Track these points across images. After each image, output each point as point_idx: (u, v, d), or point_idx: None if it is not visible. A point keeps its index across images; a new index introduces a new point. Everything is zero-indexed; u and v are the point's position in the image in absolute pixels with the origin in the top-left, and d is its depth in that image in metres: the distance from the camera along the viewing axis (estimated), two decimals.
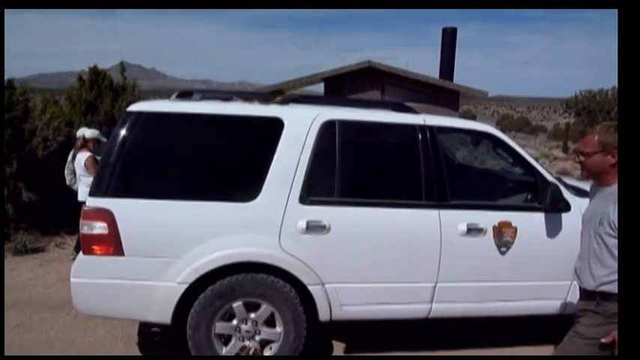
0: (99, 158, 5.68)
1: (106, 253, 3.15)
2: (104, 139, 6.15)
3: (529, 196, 3.79)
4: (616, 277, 2.42)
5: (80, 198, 5.91)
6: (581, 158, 2.56)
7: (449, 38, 10.04)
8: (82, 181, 5.87)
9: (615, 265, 2.42)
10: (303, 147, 3.35)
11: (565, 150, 21.44)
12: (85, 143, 5.92)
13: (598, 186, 2.62)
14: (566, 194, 3.64)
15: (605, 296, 2.47)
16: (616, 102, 32.43)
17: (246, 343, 3.34)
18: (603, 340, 2.43)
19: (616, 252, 2.42)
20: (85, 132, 6.00)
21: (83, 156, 5.84)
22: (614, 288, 2.43)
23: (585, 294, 2.60)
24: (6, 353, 3.72)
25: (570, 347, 2.58)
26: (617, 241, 2.39)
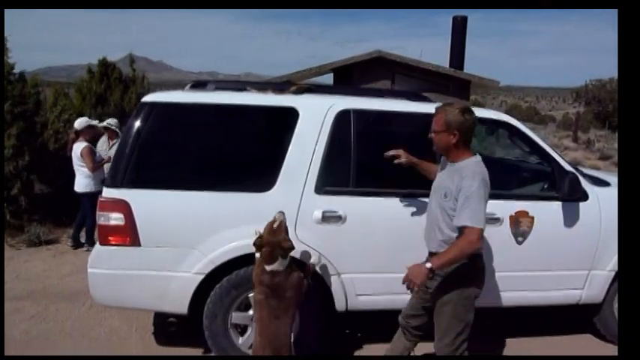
0: (114, 150, 5.72)
1: (122, 244, 3.16)
2: (94, 122, 6.17)
3: (546, 185, 3.75)
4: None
5: (77, 189, 5.93)
6: (431, 135, 2.74)
7: (459, 27, 9.89)
8: (79, 171, 5.89)
9: (452, 233, 2.68)
10: (318, 137, 3.32)
11: (575, 140, 21.22)
12: (77, 135, 5.94)
13: (447, 161, 2.79)
14: (584, 183, 3.60)
15: None
16: None
17: None
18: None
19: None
20: (75, 124, 6.02)
21: (79, 146, 5.85)
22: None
23: (430, 255, 2.82)
24: (22, 343, 3.76)
25: (437, 317, 2.79)
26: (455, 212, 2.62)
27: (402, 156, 3.07)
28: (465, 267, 2.69)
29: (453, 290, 2.73)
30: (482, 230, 2.55)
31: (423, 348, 3.24)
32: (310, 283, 3.07)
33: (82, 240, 6.14)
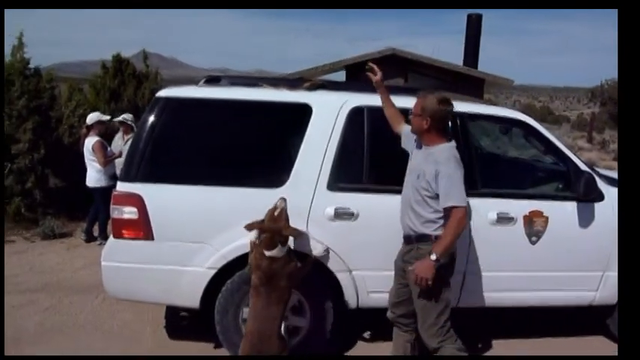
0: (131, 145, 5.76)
1: (135, 238, 3.18)
2: (105, 117, 6.21)
3: (560, 185, 3.71)
4: (429, 223, 2.81)
5: (88, 183, 5.98)
6: (410, 117, 2.92)
7: (474, 25, 9.79)
8: (91, 166, 5.94)
9: (428, 214, 2.81)
10: (331, 133, 3.32)
11: (590, 140, 20.95)
12: (88, 130, 5.99)
13: (422, 144, 2.92)
14: (600, 184, 3.55)
15: (419, 238, 2.86)
16: None
17: None
18: (410, 268, 2.78)
19: (430, 201, 2.78)
20: (87, 119, 6.08)
21: (90, 141, 5.90)
22: (425, 229, 2.83)
23: (405, 239, 2.98)
24: (35, 335, 3.80)
25: (416, 300, 2.89)
26: (430, 193, 2.77)
27: (377, 76, 3.23)
28: (428, 246, 2.79)
29: None
30: (466, 208, 2.74)
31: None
32: (308, 272, 3.11)
33: (95, 234, 6.20)
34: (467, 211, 2.75)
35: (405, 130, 3.12)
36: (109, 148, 6.10)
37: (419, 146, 2.97)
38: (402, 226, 3.00)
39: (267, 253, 2.90)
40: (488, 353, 3.79)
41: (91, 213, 6.18)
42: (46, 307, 4.31)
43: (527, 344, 3.90)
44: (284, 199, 2.99)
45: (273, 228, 2.89)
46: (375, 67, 3.26)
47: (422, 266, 2.72)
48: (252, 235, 3.06)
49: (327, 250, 3.21)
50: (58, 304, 4.40)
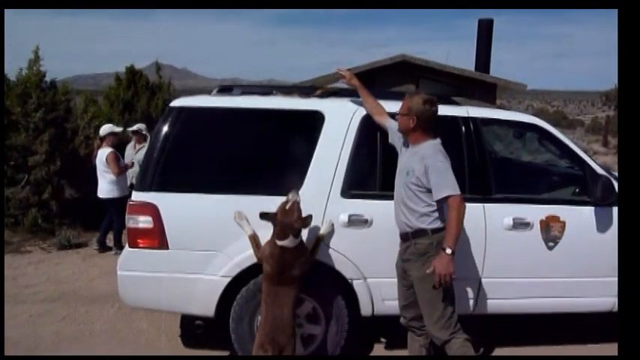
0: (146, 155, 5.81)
1: (151, 247, 3.20)
2: (118, 129, 6.28)
3: (577, 190, 3.66)
4: (424, 217, 2.88)
5: (101, 195, 6.02)
6: (397, 116, 3.00)
7: (485, 30, 9.74)
8: (103, 177, 5.98)
9: (421, 208, 2.88)
10: (344, 140, 3.32)
11: (605, 144, 20.67)
12: (102, 141, 6.05)
13: (409, 143, 3.00)
14: (617, 187, 3.49)
15: (416, 234, 2.91)
16: None
17: None
18: (428, 271, 2.78)
19: (422, 196, 2.86)
20: (100, 131, 6.16)
21: (104, 152, 5.95)
22: (420, 223, 2.89)
23: (401, 237, 3.03)
24: (52, 344, 3.83)
25: (420, 296, 2.95)
26: (421, 188, 2.85)
27: (346, 76, 3.38)
28: (425, 240, 2.88)
29: (425, 265, 2.85)
30: (460, 195, 2.80)
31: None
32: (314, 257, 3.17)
33: (109, 244, 6.25)
34: (462, 199, 2.81)
35: (390, 126, 3.19)
36: (121, 159, 6.17)
37: (406, 145, 3.05)
38: (398, 225, 3.05)
39: (279, 243, 2.97)
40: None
41: (104, 224, 6.24)
42: (63, 317, 4.34)
43: (537, 351, 3.83)
44: (296, 192, 3.05)
45: (285, 222, 2.96)
46: (342, 71, 3.43)
47: (440, 264, 2.75)
48: (248, 229, 3.11)
49: (332, 225, 3.21)
50: (74, 313, 4.43)
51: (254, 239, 3.12)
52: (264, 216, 2.99)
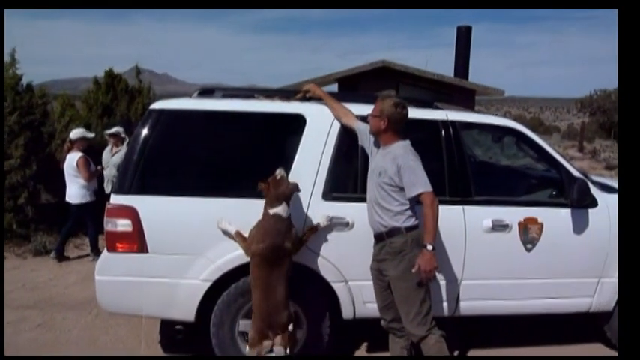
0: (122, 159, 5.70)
1: (129, 251, 3.15)
2: (90, 135, 6.15)
3: (554, 192, 3.73)
4: (397, 216, 2.94)
5: (71, 200, 5.87)
6: (369, 118, 3.09)
7: (463, 37, 9.93)
8: (74, 182, 5.83)
9: (395, 207, 2.94)
10: (325, 143, 3.33)
11: (581, 149, 21.13)
12: (72, 145, 5.90)
13: (380, 144, 3.08)
14: (593, 190, 3.57)
15: (390, 233, 2.97)
16: None
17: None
18: (414, 270, 2.84)
19: (395, 195, 2.93)
20: (71, 134, 5.99)
21: (74, 157, 5.81)
22: (394, 222, 2.95)
23: (376, 237, 3.08)
24: (28, 351, 3.74)
25: (396, 294, 3.00)
26: (394, 187, 2.92)
27: (310, 89, 3.48)
28: (400, 238, 2.94)
29: (401, 263, 2.94)
30: (433, 191, 2.87)
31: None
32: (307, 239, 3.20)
33: (89, 250, 6.11)
34: (435, 195, 2.88)
35: (359, 128, 3.24)
36: (91, 164, 6.01)
37: (377, 146, 3.13)
38: (372, 226, 3.10)
39: (272, 211, 3.01)
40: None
41: (64, 231, 6.05)
42: (38, 324, 4.24)
43: (522, 351, 3.88)
44: (282, 169, 3.11)
45: (277, 189, 3.02)
46: (306, 87, 3.54)
47: (424, 260, 2.82)
48: (230, 228, 3.13)
49: (330, 220, 3.23)
50: (50, 320, 4.33)
51: (239, 235, 3.12)
52: (258, 186, 3.03)
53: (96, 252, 5.91)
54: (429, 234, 2.84)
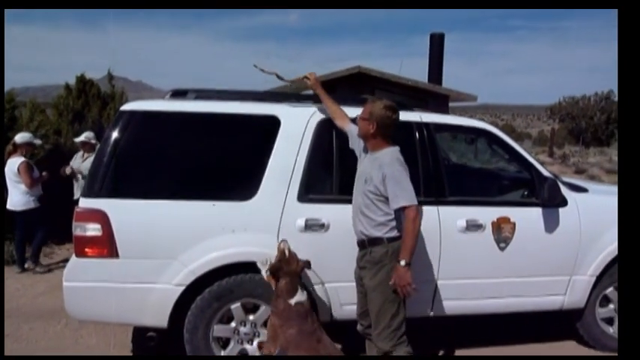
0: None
1: (99, 256, 3.07)
2: (37, 141, 5.96)
3: (526, 192, 3.78)
4: (380, 226, 2.88)
5: (13, 207, 5.66)
6: (358, 120, 3.00)
7: (437, 43, 10.13)
8: (16, 188, 5.62)
9: (378, 217, 2.88)
10: (300, 145, 3.31)
11: (551, 155, 21.69)
12: (15, 149, 5.69)
13: (368, 149, 3.00)
14: (563, 189, 3.64)
15: (372, 242, 2.91)
16: (598, 107, 33.12)
17: (246, 346, 3.27)
18: (391, 283, 2.80)
19: (380, 204, 2.86)
20: (16, 137, 5.77)
21: (16, 161, 5.60)
22: (377, 232, 2.89)
23: (359, 244, 3.03)
24: None
25: (370, 304, 2.96)
26: (379, 196, 2.85)
27: (310, 80, 3.38)
28: (381, 249, 2.88)
29: (378, 274, 2.89)
30: (417, 206, 2.79)
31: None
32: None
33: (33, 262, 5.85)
34: (419, 210, 2.81)
35: (351, 130, 3.18)
36: (35, 170, 5.78)
37: (365, 151, 3.05)
38: (355, 232, 3.05)
39: (293, 301, 2.93)
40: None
41: (17, 241, 5.79)
42: (5, 335, 4.08)
43: (498, 351, 3.91)
44: (285, 241, 3.02)
45: (292, 271, 2.95)
46: (310, 76, 3.41)
47: (398, 276, 2.77)
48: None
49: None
50: (16, 331, 4.18)
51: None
52: (270, 269, 2.94)
53: (34, 260, 5.71)
54: (405, 250, 2.78)
